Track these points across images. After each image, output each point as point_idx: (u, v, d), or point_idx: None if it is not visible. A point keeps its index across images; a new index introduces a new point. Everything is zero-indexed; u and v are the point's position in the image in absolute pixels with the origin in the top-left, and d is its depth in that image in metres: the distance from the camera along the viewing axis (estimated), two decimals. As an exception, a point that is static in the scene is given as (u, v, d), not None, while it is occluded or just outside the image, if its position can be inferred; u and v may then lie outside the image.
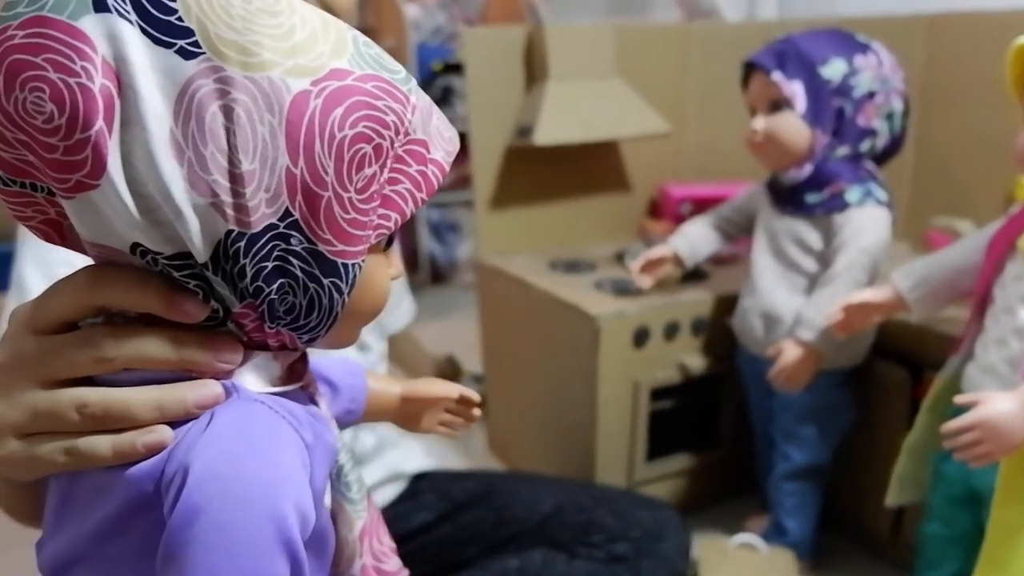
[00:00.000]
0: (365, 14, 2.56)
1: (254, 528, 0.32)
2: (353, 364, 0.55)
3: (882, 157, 1.07)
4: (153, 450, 0.35)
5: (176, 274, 0.34)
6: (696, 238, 1.17)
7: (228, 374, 0.37)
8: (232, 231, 0.33)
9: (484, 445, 1.52)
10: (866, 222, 1.00)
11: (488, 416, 1.49)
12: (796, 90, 1.00)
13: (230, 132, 0.32)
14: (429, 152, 0.38)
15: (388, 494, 0.91)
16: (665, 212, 1.46)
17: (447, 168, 0.39)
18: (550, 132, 1.26)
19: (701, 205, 1.38)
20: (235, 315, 0.36)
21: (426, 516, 0.91)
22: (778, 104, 1.02)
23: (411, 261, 2.62)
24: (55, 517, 0.38)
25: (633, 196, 1.49)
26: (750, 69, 1.06)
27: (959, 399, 0.74)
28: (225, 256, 0.34)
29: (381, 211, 0.36)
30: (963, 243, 0.92)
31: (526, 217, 1.40)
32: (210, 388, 0.36)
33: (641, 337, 1.13)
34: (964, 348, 0.86)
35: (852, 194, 1.01)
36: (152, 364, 0.36)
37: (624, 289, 1.17)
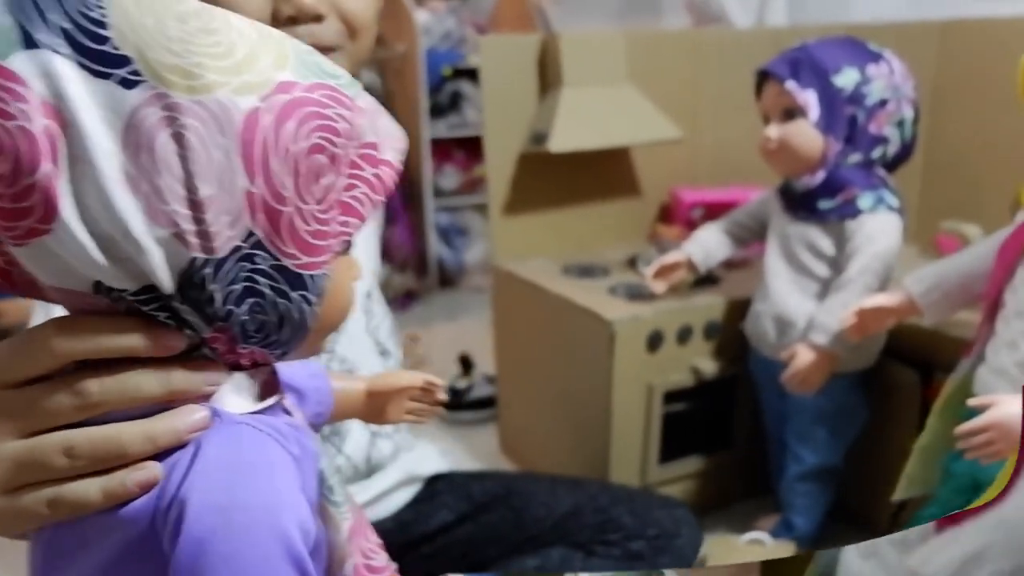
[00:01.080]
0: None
1: (261, 552, 0.32)
2: (315, 366, 0.54)
3: (893, 164, 1.08)
4: (145, 487, 0.34)
5: (144, 308, 0.34)
6: (709, 243, 1.19)
7: (207, 398, 0.36)
8: (197, 258, 0.32)
9: (497, 447, 1.54)
10: (878, 228, 1.02)
11: (501, 419, 1.51)
12: (809, 99, 1.02)
13: (184, 159, 0.31)
14: (380, 153, 0.37)
15: (404, 497, 0.92)
16: (677, 217, 1.47)
17: (399, 167, 0.38)
18: (565, 139, 1.27)
19: (713, 210, 1.39)
20: (207, 340, 0.35)
21: (446, 517, 0.92)
22: (792, 112, 1.03)
23: (420, 265, 2.63)
24: (46, 570, 0.36)
25: (645, 201, 1.50)
26: (764, 77, 1.07)
27: (973, 402, 0.75)
28: (191, 284, 0.33)
29: (341, 218, 0.36)
30: (975, 248, 0.94)
31: (540, 222, 1.41)
32: (199, 413, 0.35)
33: (655, 341, 1.14)
34: (975, 351, 0.87)
35: (864, 200, 1.03)
36: (140, 402, 0.35)
37: (637, 294, 1.19)
